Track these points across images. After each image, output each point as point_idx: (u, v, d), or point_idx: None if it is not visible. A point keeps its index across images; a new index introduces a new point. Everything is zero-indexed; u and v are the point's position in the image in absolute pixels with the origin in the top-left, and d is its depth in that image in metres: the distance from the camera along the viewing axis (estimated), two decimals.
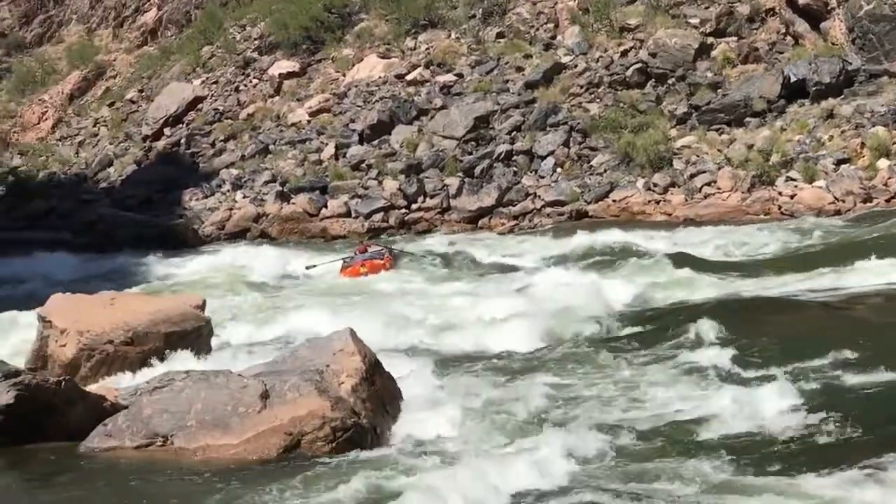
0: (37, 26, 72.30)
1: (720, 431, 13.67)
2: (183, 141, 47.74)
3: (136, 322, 18.18)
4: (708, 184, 35.60)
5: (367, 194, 39.17)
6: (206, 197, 42.22)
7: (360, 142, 42.53)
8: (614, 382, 16.51)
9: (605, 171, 38.15)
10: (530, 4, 48.32)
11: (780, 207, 33.76)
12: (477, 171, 39.01)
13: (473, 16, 49.04)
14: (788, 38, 41.24)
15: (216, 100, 50.65)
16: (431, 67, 46.26)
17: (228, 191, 42.12)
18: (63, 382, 13.94)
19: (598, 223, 34.82)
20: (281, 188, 40.55)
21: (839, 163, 34.27)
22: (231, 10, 60.32)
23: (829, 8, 39.27)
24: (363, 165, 41.08)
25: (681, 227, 32.86)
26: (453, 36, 48.52)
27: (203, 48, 56.73)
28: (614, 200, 36.65)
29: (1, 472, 12.74)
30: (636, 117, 39.07)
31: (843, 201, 32.89)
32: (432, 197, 38.53)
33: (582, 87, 42.07)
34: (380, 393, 14.37)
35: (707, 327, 18.81)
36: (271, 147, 44.45)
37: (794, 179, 34.38)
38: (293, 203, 39.72)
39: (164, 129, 49.67)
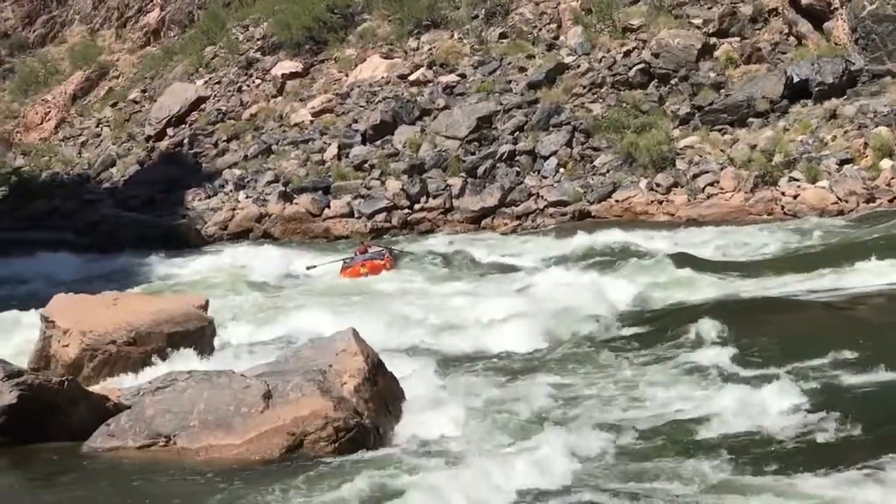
0: (40, 26, 72.37)
1: (721, 431, 13.66)
2: (186, 141, 47.78)
3: (139, 322, 18.17)
4: (711, 184, 35.60)
5: (370, 194, 39.19)
6: (209, 197, 42.26)
7: (363, 142, 42.55)
8: (615, 382, 16.53)
9: (608, 171, 38.16)
10: (533, 5, 48.34)
11: (783, 208, 33.75)
12: (480, 171, 39.02)
13: (476, 16, 49.08)
14: (791, 38, 41.22)
15: (219, 100, 50.70)
16: (434, 68, 46.28)
17: (231, 191, 42.14)
18: (66, 382, 13.94)
19: (600, 223, 34.83)
20: (284, 188, 40.57)
21: (842, 163, 34.26)
22: (234, 11, 60.39)
23: (832, 8, 39.25)
24: (366, 165, 41.10)
25: (683, 228, 32.86)
26: (456, 36, 48.56)
27: (206, 48, 56.82)
28: (617, 201, 36.66)
29: (4, 472, 12.74)
30: (639, 117, 39.07)
31: (846, 201, 32.88)
32: (435, 197, 38.54)
33: (585, 87, 42.09)
34: (382, 393, 14.36)
35: (708, 327, 18.82)
36: (274, 147, 44.48)
37: (796, 180, 34.36)
38: (296, 203, 39.73)
39: (167, 130, 49.73)
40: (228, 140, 46.83)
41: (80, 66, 64.73)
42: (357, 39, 51.35)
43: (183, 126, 49.56)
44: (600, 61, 43.24)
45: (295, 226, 39.09)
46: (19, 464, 12.92)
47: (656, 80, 41.25)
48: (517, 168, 39.15)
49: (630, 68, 41.86)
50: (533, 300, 23.02)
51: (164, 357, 17.75)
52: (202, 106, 50.56)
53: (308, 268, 31.07)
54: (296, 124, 46.00)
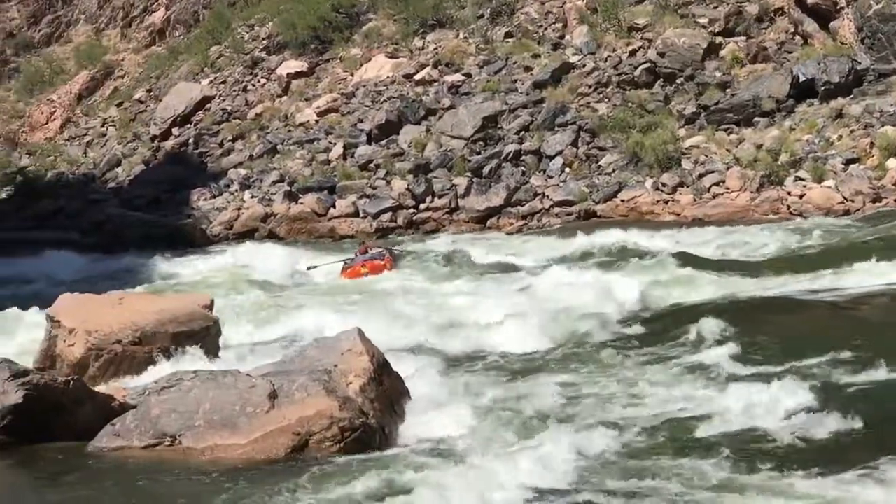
0: (45, 26, 72.51)
1: (722, 431, 13.66)
2: (191, 141, 47.78)
3: (144, 322, 18.15)
4: (716, 184, 35.57)
5: (376, 194, 39.17)
6: (215, 197, 42.23)
7: (369, 141, 42.55)
8: (617, 381, 16.56)
9: (614, 170, 38.14)
10: (538, 4, 48.34)
11: (788, 207, 33.70)
12: (485, 170, 38.99)
13: (482, 15, 49.08)
14: (797, 37, 41.19)
15: (224, 100, 50.71)
16: (440, 67, 46.28)
17: (236, 191, 42.14)
18: (71, 382, 13.94)
19: (606, 223, 34.78)
20: (289, 188, 40.55)
21: (848, 162, 34.23)
22: (239, 10, 60.46)
23: (837, 7, 39.21)
24: (371, 165, 41.10)
25: (687, 227, 32.80)
26: (461, 36, 48.55)
27: (211, 48, 56.85)
28: (623, 200, 36.63)
29: (9, 472, 12.75)
30: (644, 117, 39.05)
31: (853, 201, 32.84)
32: (440, 197, 38.52)
33: (590, 86, 42.07)
34: (388, 393, 14.35)
35: (709, 327, 18.87)
36: (279, 147, 44.47)
37: (802, 179, 34.33)
38: (301, 203, 39.70)
39: (173, 129, 49.74)
40: (234, 140, 46.83)
41: (86, 66, 64.85)
42: (362, 39, 51.36)
43: (188, 126, 49.57)
44: (606, 61, 43.23)
45: (300, 225, 39.06)
46: (25, 463, 12.93)
47: (662, 80, 41.24)
48: (523, 168, 39.14)
49: (636, 68, 41.84)
50: (535, 300, 23.05)
51: (169, 357, 17.72)
52: (207, 106, 50.57)
53: (308, 268, 31.04)
54: (301, 124, 45.99)
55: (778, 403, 14.22)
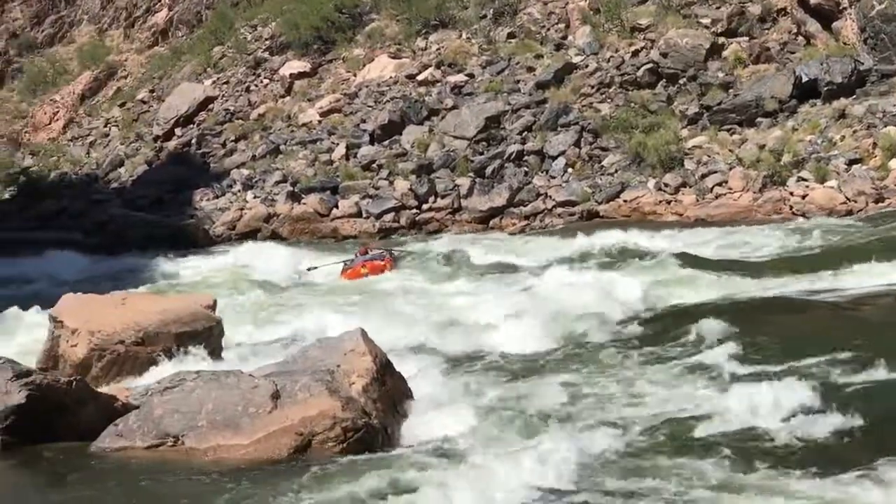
0: (48, 27, 72.55)
1: (723, 431, 13.66)
2: (194, 141, 47.83)
3: (147, 322, 18.18)
4: (719, 184, 35.54)
5: (378, 194, 39.17)
6: (217, 197, 42.26)
7: (371, 142, 42.56)
8: (618, 381, 16.57)
9: (616, 171, 38.12)
10: (541, 5, 48.36)
11: (791, 208, 33.67)
12: (488, 171, 38.99)
13: (484, 16, 49.10)
14: (800, 37, 41.19)
15: (227, 100, 50.76)
16: (442, 67, 46.29)
17: (239, 191, 42.16)
18: (74, 382, 13.96)
19: (609, 223, 34.75)
20: (292, 188, 40.55)
21: (851, 163, 34.19)
22: (242, 11, 60.52)
23: (840, 8, 39.20)
24: (374, 165, 41.10)
25: (689, 228, 32.77)
26: (464, 36, 48.59)
27: (214, 48, 56.90)
28: (625, 200, 36.61)
29: (12, 472, 12.76)
30: (647, 117, 39.04)
31: (855, 201, 32.81)
32: (443, 197, 38.51)
33: (593, 87, 42.08)
34: (391, 393, 14.36)
35: (711, 327, 18.87)
36: (282, 147, 44.49)
37: (805, 180, 34.30)
38: (304, 203, 39.72)
39: (175, 130, 49.79)
40: (236, 140, 46.87)
41: (89, 66, 64.91)
42: (365, 39, 51.39)
43: (191, 126, 49.62)
44: (608, 61, 43.23)
45: (303, 226, 39.07)
46: (28, 464, 12.93)
47: (665, 80, 41.23)
48: (525, 168, 39.13)
49: (638, 68, 41.84)
50: (536, 300, 23.02)
51: (172, 357, 17.76)
52: (210, 106, 50.61)
53: (309, 269, 31.05)
54: (304, 124, 46.03)
55: (778, 404, 14.21)
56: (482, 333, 20.40)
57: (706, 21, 42.76)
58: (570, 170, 38.70)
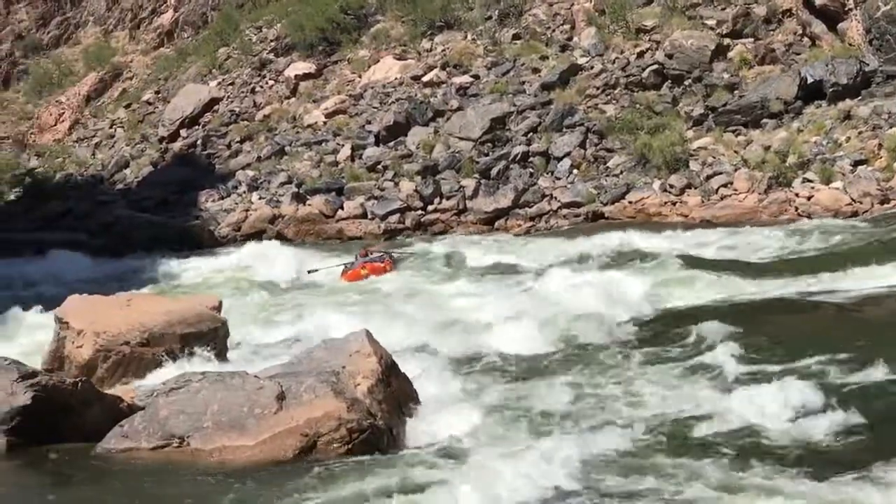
0: (54, 28, 72.64)
1: (725, 432, 13.78)
2: (199, 142, 47.83)
3: (152, 323, 18.20)
4: (724, 185, 35.48)
5: (384, 196, 39.16)
6: (223, 198, 42.25)
7: (376, 143, 42.54)
8: (621, 382, 16.68)
9: (622, 172, 38.07)
10: (546, 6, 48.31)
11: (796, 209, 33.60)
12: (493, 172, 38.96)
13: (489, 17, 49.08)
14: (805, 39, 41.10)
15: (232, 101, 50.78)
16: (447, 69, 46.26)
17: (244, 192, 42.15)
18: (79, 384, 13.98)
19: (614, 225, 34.72)
20: (297, 189, 40.53)
21: (856, 164, 34.11)
22: (247, 12, 60.54)
23: (846, 9, 39.13)
24: (379, 167, 41.08)
25: (694, 229, 32.72)
26: (469, 37, 48.55)
27: (219, 49, 56.93)
28: (630, 202, 36.55)
29: (18, 473, 12.78)
30: (652, 119, 38.97)
31: (861, 203, 32.74)
32: (448, 198, 38.48)
33: (598, 88, 42.03)
34: (396, 394, 14.38)
35: (713, 328, 18.96)
36: (287, 148, 44.48)
37: (810, 181, 34.23)
38: (309, 204, 39.69)
39: (181, 131, 49.81)
40: (242, 141, 46.86)
41: (94, 68, 64.96)
42: (370, 40, 51.38)
43: (196, 127, 49.64)
44: (614, 62, 43.20)
45: (308, 227, 39.04)
46: (33, 464, 12.96)
47: (670, 81, 41.19)
48: (531, 169, 39.08)
49: (643, 69, 41.78)
50: (540, 301, 23.05)
51: (177, 358, 17.78)
52: (215, 107, 50.63)
53: (309, 271, 31.04)
54: (309, 125, 46.02)
55: (779, 404, 14.32)
56: (485, 334, 20.43)
57: (711, 22, 42.70)
58: (575, 171, 38.65)
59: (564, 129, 40.19)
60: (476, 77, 44.92)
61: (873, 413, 13.94)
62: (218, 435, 13.02)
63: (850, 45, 38.67)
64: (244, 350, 20.22)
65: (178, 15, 66.30)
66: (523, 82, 43.68)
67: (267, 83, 51.56)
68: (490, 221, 37.50)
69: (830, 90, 37.18)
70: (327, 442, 12.90)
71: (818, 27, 40.16)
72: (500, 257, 30.99)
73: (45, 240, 38.87)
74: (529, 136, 40.49)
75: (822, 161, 34.55)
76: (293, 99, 49.35)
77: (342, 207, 39.28)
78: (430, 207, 38.38)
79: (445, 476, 11.91)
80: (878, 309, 20.82)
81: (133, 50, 67.22)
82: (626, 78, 41.95)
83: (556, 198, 37.60)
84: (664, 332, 19.95)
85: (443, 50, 48.10)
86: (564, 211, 37.04)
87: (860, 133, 35.41)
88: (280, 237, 38.39)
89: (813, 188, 33.86)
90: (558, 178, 38.54)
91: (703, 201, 35.28)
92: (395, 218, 38.23)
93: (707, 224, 33.60)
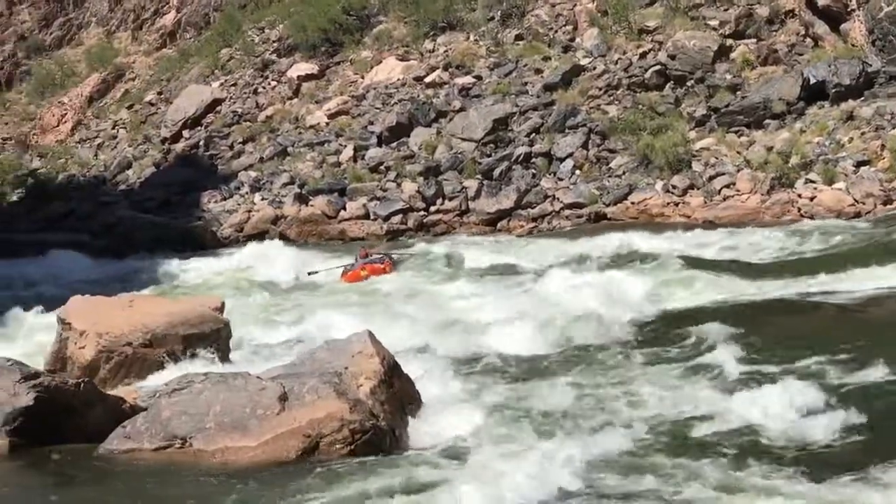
0: (56, 29, 72.67)
1: (725, 432, 13.82)
2: (201, 143, 47.82)
3: (155, 324, 18.20)
4: (727, 186, 35.47)
5: (386, 196, 39.15)
6: (225, 199, 42.24)
7: (379, 144, 42.53)
8: (622, 382, 16.71)
9: (624, 173, 38.05)
10: (549, 7, 48.34)
11: (799, 209, 33.58)
12: (496, 173, 38.95)
13: (492, 18, 49.07)
14: (808, 39, 41.09)
15: (235, 102, 50.79)
16: (450, 69, 46.27)
17: (247, 193, 42.15)
18: (82, 384, 13.99)
19: (616, 225, 34.72)
20: (299, 190, 40.53)
21: (859, 165, 34.11)
22: (249, 13, 60.57)
23: (848, 10, 39.11)
24: (382, 167, 41.06)
25: (697, 229, 32.69)
26: (472, 38, 48.57)
27: (222, 50, 56.95)
28: (633, 202, 36.53)
29: (20, 474, 12.78)
30: (655, 119, 38.96)
31: (863, 203, 32.72)
32: (451, 199, 38.47)
33: (601, 89, 42.03)
34: (398, 395, 14.38)
35: (714, 329, 19.01)
36: (290, 149, 44.48)
37: (813, 181, 34.22)
38: (312, 205, 39.69)
39: (183, 132, 49.83)
40: (244, 142, 46.85)
41: (97, 69, 64.99)
42: (373, 41, 51.39)
43: (199, 128, 49.65)
44: (616, 63, 43.20)
45: (310, 228, 39.04)
46: (36, 465, 12.97)
47: (672, 82, 41.18)
48: (533, 170, 39.07)
49: (646, 70, 41.78)
50: (539, 301, 23.13)
51: (180, 359, 17.78)
52: (218, 108, 50.66)
53: (309, 273, 31.03)
54: (311, 126, 46.02)
55: (780, 405, 14.36)
56: (487, 335, 20.45)
57: (714, 23, 42.70)
58: (577, 172, 38.65)
59: (567, 130, 40.19)
60: (478, 78, 44.93)
61: (873, 413, 13.96)
62: (220, 436, 13.02)
63: (853, 45, 38.66)
64: (246, 351, 20.25)
65: (180, 16, 66.33)
66: (526, 83, 43.68)
67: (269, 84, 51.58)
68: (492, 222, 37.49)
69: (833, 91, 37.17)
70: (330, 443, 12.90)
71: (821, 28, 40.15)
72: (501, 258, 31.00)
73: (47, 241, 38.81)
74: (532, 136, 40.47)
75: (824, 162, 34.54)
76: (296, 100, 49.36)
77: (344, 208, 39.27)
78: (432, 208, 38.38)
79: (448, 476, 11.92)
80: (879, 310, 20.85)
81: (135, 51, 67.27)
82: (628, 79, 41.95)
83: (558, 199, 37.59)
84: (664, 332, 19.99)
85: (445, 51, 48.11)
86: (567, 212, 37.03)
87: (863, 134, 35.40)
88: (282, 238, 38.35)
89: (816, 189, 33.84)
90: (561, 179, 38.53)
91: (705, 202, 35.28)
92: (397, 219, 38.22)
93: (709, 225, 33.58)
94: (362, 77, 48.84)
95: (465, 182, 38.87)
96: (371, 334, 15.04)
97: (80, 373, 16.93)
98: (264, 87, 51.42)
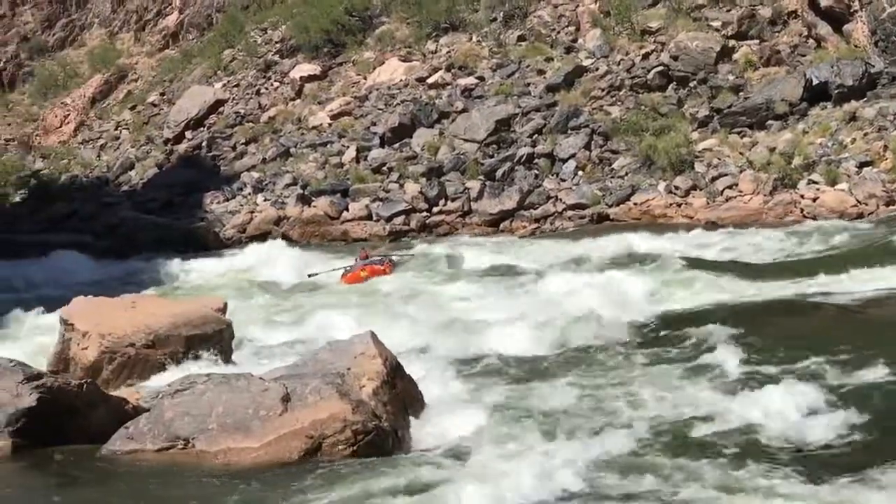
0: (59, 30, 72.72)
1: (726, 433, 13.76)
2: (204, 144, 47.85)
3: (158, 325, 18.19)
4: (729, 187, 35.47)
5: (389, 197, 39.16)
6: (228, 200, 42.27)
7: (382, 145, 42.56)
8: (623, 383, 16.69)
9: (627, 174, 38.06)
10: (551, 7, 48.37)
11: (801, 210, 33.59)
12: (498, 174, 38.97)
13: (495, 19, 49.11)
14: (810, 40, 41.10)
15: (237, 103, 50.82)
16: (453, 70, 46.29)
17: (249, 194, 42.18)
18: (85, 385, 13.99)
19: (619, 226, 34.73)
20: (302, 191, 40.56)
21: (861, 165, 34.12)
22: (252, 14, 60.63)
23: (851, 10, 39.11)
24: (384, 168, 41.08)
25: (699, 230, 32.70)
26: (474, 39, 48.59)
27: (224, 51, 57.00)
28: (636, 203, 36.54)
29: (23, 475, 12.79)
30: (657, 120, 38.97)
31: (866, 204, 32.74)
32: (453, 200, 38.49)
33: (603, 90, 42.05)
34: (401, 396, 14.37)
35: (715, 330, 19.00)
36: (292, 150, 44.51)
37: (816, 182, 34.22)
38: (314, 206, 39.71)
39: (186, 133, 49.87)
40: (247, 143, 46.88)
41: (99, 70, 65.06)
42: (375, 42, 51.42)
43: (201, 129, 49.68)
44: (619, 64, 43.21)
45: (313, 228, 39.07)
46: (38, 466, 12.96)
47: (675, 83, 41.20)
48: (536, 171, 39.09)
49: (649, 71, 41.82)
50: (540, 302, 23.14)
51: (182, 360, 17.78)
52: (220, 109, 50.70)
53: (309, 275, 31.02)
54: (314, 127, 46.05)
55: (780, 406, 14.34)
56: (486, 335, 20.44)
57: (716, 24, 42.71)
58: (580, 172, 38.67)
59: (569, 131, 40.20)
60: (481, 79, 44.96)
61: (873, 413, 13.95)
62: (223, 437, 13.02)
63: (856, 46, 38.66)
64: (249, 351, 20.24)
65: (182, 17, 66.38)
66: (528, 84, 43.70)
67: (272, 85, 51.62)
68: (495, 223, 37.51)
69: (836, 92, 37.18)
70: (332, 444, 12.89)
71: (823, 28, 40.16)
72: (502, 259, 31.00)
73: (50, 241, 38.84)
74: (534, 137, 40.51)
75: (827, 162, 34.56)
76: (298, 100, 49.40)
77: (347, 209, 39.30)
78: (434, 209, 38.40)
79: (450, 477, 11.92)
80: (879, 310, 20.82)
81: (138, 52, 67.32)
82: (631, 79, 41.98)
83: (561, 199, 37.62)
84: (665, 333, 19.98)
85: (448, 51, 48.12)
86: (569, 213, 37.05)
87: (865, 134, 35.40)
88: (285, 239, 38.37)
89: (818, 190, 33.85)
90: (563, 180, 38.55)
91: (708, 203, 35.28)
92: (400, 219, 38.24)
93: (712, 226, 33.57)
94: (365, 78, 48.86)
95: (468, 183, 38.89)
96: (374, 335, 15.03)
97: (83, 374, 16.93)
98: (267, 88, 51.45)
